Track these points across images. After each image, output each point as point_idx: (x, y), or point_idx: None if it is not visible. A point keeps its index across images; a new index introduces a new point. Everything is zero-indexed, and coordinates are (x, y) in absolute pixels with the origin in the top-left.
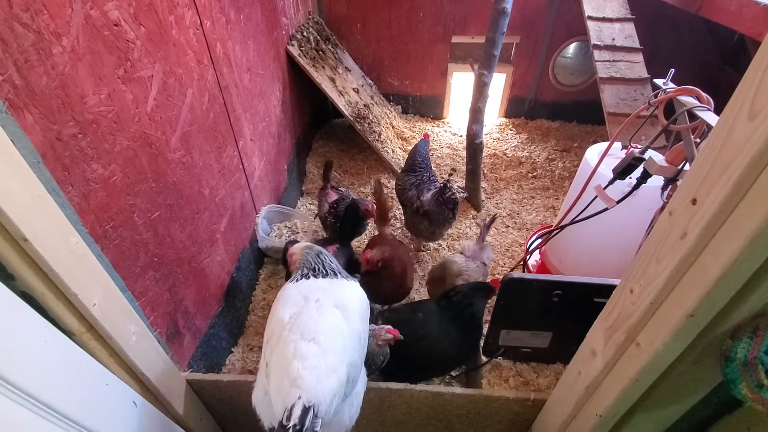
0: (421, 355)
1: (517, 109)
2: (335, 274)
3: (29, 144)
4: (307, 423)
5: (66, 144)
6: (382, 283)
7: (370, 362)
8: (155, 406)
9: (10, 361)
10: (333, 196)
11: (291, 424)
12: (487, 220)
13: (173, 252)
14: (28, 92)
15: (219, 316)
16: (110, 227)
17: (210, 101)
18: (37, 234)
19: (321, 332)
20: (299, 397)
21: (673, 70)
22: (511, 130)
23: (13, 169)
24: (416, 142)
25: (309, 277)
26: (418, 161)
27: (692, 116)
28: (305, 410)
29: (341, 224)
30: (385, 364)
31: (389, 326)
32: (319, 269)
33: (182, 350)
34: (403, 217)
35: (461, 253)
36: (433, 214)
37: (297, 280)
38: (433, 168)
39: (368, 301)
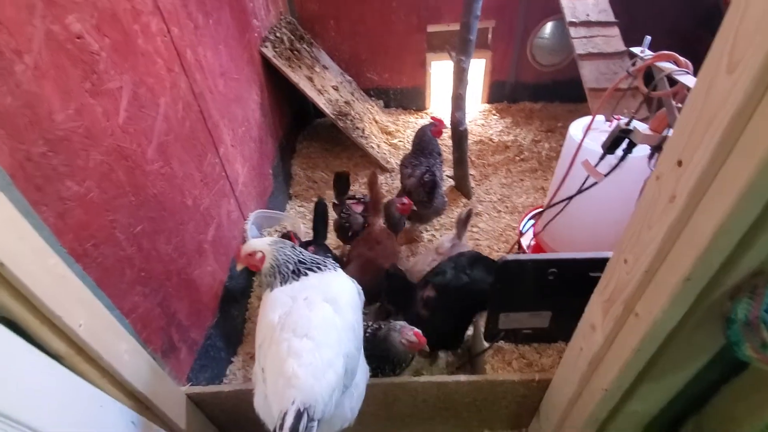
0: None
1: (498, 93)
2: (319, 267)
3: None
4: (301, 428)
5: (37, 163)
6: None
7: (397, 361)
8: (155, 423)
9: None
10: (359, 207)
11: (284, 431)
12: (462, 214)
13: (161, 265)
14: None
15: (215, 327)
16: (91, 245)
17: (185, 109)
18: (12, 257)
19: (314, 327)
20: (293, 402)
21: (649, 37)
22: (494, 115)
23: None
24: (400, 135)
25: (291, 281)
26: (415, 143)
27: (672, 82)
28: (299, 415)
29: (314, 223)
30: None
31: (417, 330)
32: (299, 269)
33: (179, 364)
34: None
35: (435, 249)
36: (414, 195)
37: (281, 285)
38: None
39: (359, 289)
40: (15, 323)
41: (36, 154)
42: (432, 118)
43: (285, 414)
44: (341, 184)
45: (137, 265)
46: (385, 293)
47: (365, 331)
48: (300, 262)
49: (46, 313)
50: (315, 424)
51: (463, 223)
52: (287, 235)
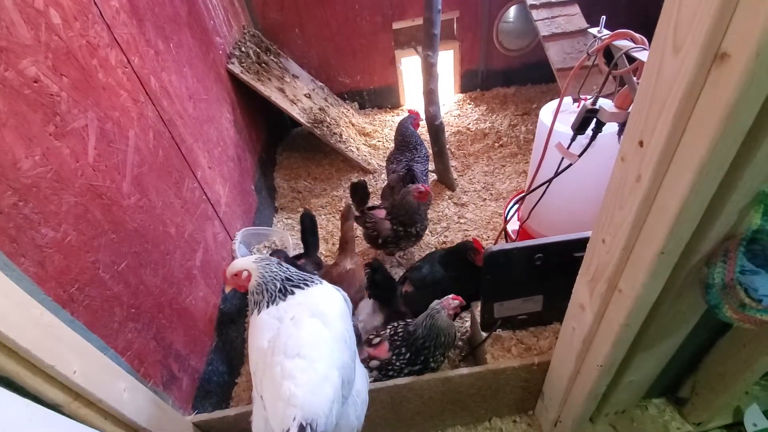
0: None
1: (471, 82)
2: (306, 284)
3: None
4: None
5: (7, 215)
6: None
7: (448, 340)
8: None
9: None
10: (382, 213)
11: None
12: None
13: (150, 298)
14: None
15: (214, 352)
16: (75, 289)
17: (156, 138)
18: None
19: (303, 345)
20: (294, 419)
21: (604, 17)
22: (469, 104)
23: None
24: (378, 135)
25: (278, 302)
26: (398, 138)
27: (631, 59)
28: (302, 429)
29: (302, 236)
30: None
31: (453, 294)
32: (286, 287)
33: (182, 394)
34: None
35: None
36: (395, 190)
37: (267, 307)
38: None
39: (346, 297)
40: (8, 379)
41: (6, 206)
42: (408, 111)
43: (288, 430)
44: (359, 194)
45: (126, 302)
46: (368, 287)
47: (396, 333)
48: (287, 279)
49: (37, 364)
50: None
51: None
52: (278, 252)
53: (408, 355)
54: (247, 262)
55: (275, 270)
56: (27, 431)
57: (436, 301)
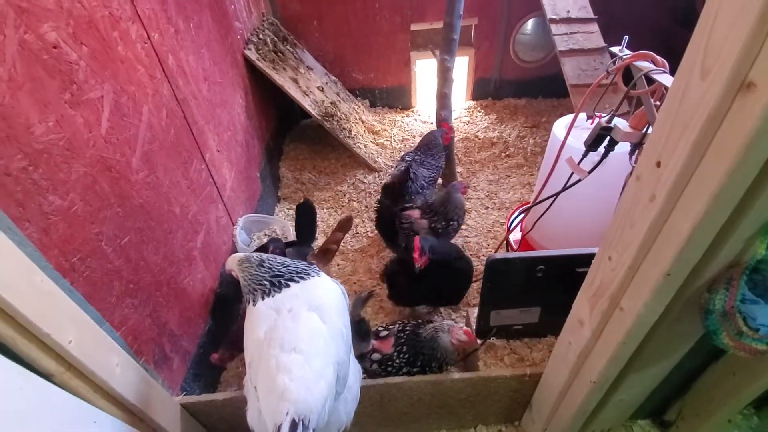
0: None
1: (483, 90)
2: (301, 277)
3: None
4: None
5: (16, 178)
6: None
7: (445, 360)
8: None
9: None
10: (416, 213)
11: None
12: (363, 294)
13: (150, 276)
14: None
15: (207, 335)
16: (77, 259)
17: (169, 116)
18: None
19: (301, 340)
20: (287, 413)
21: (627, 36)
22: (479, 111)
23: None
24: (387, 134)
25: (273, 294)
26: (422, 142)
27: (650, 80)
28: (294, 425)
29: (296, 224)
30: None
31: (467, 328)
32: (278, 282)
33: (173, 374)
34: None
35: None
36: (388, 189)
37: (263, 299)
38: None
39: (343, 291)
40: (2, 344)
41: (15, 169)
42: (443, 125)
43: (280, 425)
44: (391, 194)
45: (126, 277)
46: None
47: (403, 331)
48: (276, 275)
49: (34, 331)
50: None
51: (362, 302)
52: (265, 247)
53: (408, 356)
54: (233, 263)
55: (255, 272)
56: (17, 398)
57: (447, 322)
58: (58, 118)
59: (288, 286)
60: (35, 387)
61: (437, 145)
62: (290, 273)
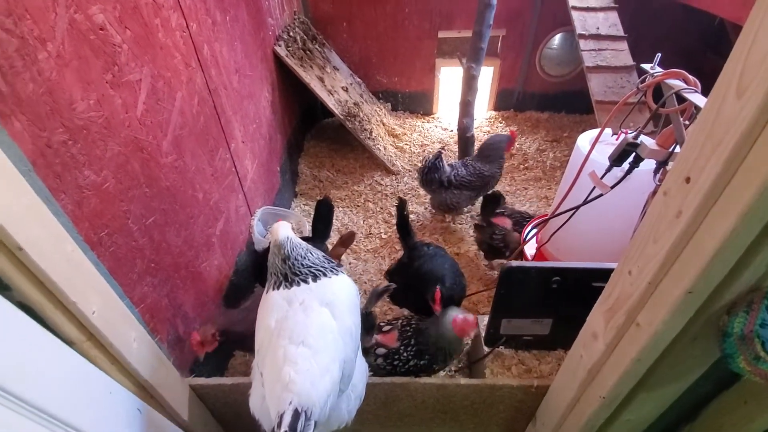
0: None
1: (505, 101)
2: (316, 278)
3: (19, 152)
4: (299, 427)
5: (56, 151)
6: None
7: (449, 349)
8: (159, 412)
9: (13, 373)
10: (508, 222)
11: (282, 430)
12: (380, 288)
13: (170, 257)
14: (14, 99)
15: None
16: (105, 234)
17: (200, 104)
18: (32, 242)
19: (310, 334)
20: (290, 403)
21: (659, 54)
22: (500, 122)
23: (4, 176)
24: (407, 138)
25: (288, 287)
26: (483, 146)
27: (680, 99)
28: (296, 415)
29: (314, 223)
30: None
31: (470, 317)
32: (292, 280)
33: (183, 356)
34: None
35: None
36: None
37: (278, 288)
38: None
39: (356, 289)
40: (30, 309)
41: (56, 142)
42: (510, 132)
43: (283, 413)
44: (490, 206)
45: (147, 256)
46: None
47: (409, 324)
48: (295, 274)
49: (61, 298)
50: (312, 423)
51: (378, 296)
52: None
53: (415, 348)
54: (275, 235)
55: (277, 263)
56: (43, 360)
57: (451, 310)
58: (99, 97)
59: (299, 285)
60: (59, 351)
61: (500, 150)
62: (307, 274)
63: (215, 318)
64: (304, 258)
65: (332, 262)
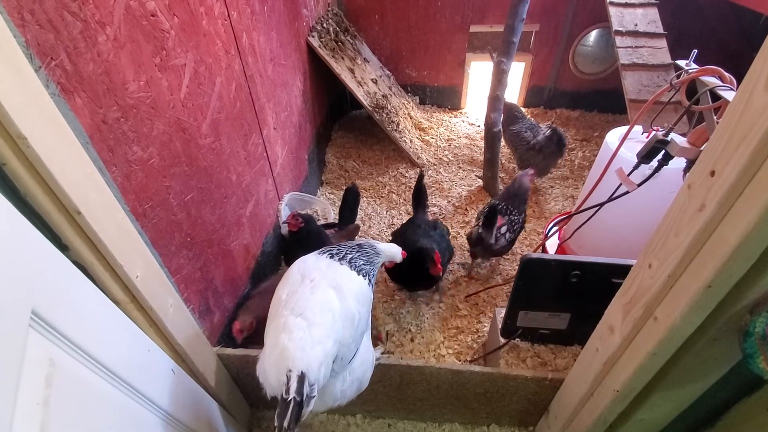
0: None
1: (536, 98)
2: (340, 263)
3: (79, 126)
4: (306, 391)
5: (110, 127)
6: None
7: (522, 196)
8: (189, 376)
9: (75, 324)
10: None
11: (291, 396)
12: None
13: (204, 233)
14: (77, 77)
15: (245, 297)
16: (149, 207)
17: (237, 90)
18: (89, 207)
19: (310, 308)
20: (290, 370)
21: (695, 50)
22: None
23: (67, 146)
24: (433, 132)
25: (322, 254)
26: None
27: (715, 97)
28: (301, 380)
29: (341, 208)
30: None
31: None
32: (337, 254)
33: (212, 327)
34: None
35: None
36: (546, 148)
37: (321, 254)
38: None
39: (370, 292)
40: (84, 268)
41: (111, 119)
42: (532, 167)
43: (288, 380)
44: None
45: (185, 230)
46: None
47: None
48: (335, 253)
49: (110, 261)
50: (315, 387)
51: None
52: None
53: (510, 206)
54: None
55: (351, 245)
56: (95, 314)
57: (521, 172)
58: (148, 78)
59: (336, 258)
60: (108, 307)
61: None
62: (348, 259)
63: (251, 307)
64: (359, 254)
65: (361, 260)
